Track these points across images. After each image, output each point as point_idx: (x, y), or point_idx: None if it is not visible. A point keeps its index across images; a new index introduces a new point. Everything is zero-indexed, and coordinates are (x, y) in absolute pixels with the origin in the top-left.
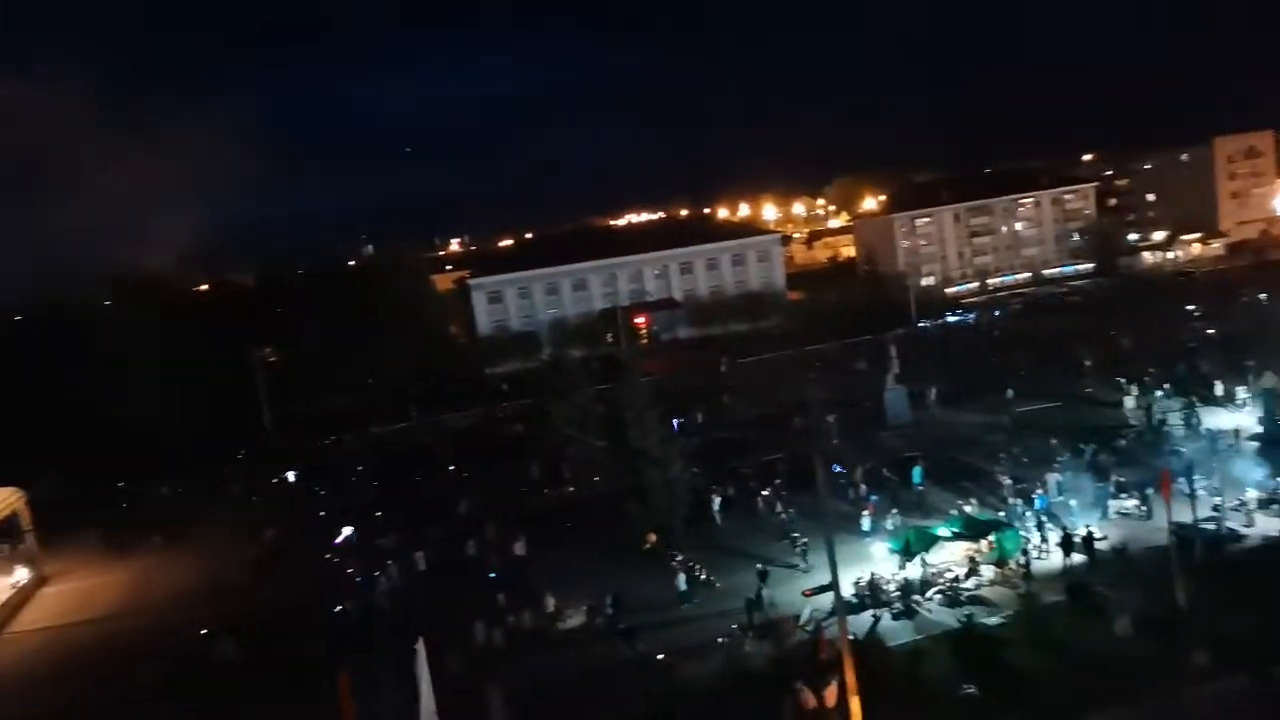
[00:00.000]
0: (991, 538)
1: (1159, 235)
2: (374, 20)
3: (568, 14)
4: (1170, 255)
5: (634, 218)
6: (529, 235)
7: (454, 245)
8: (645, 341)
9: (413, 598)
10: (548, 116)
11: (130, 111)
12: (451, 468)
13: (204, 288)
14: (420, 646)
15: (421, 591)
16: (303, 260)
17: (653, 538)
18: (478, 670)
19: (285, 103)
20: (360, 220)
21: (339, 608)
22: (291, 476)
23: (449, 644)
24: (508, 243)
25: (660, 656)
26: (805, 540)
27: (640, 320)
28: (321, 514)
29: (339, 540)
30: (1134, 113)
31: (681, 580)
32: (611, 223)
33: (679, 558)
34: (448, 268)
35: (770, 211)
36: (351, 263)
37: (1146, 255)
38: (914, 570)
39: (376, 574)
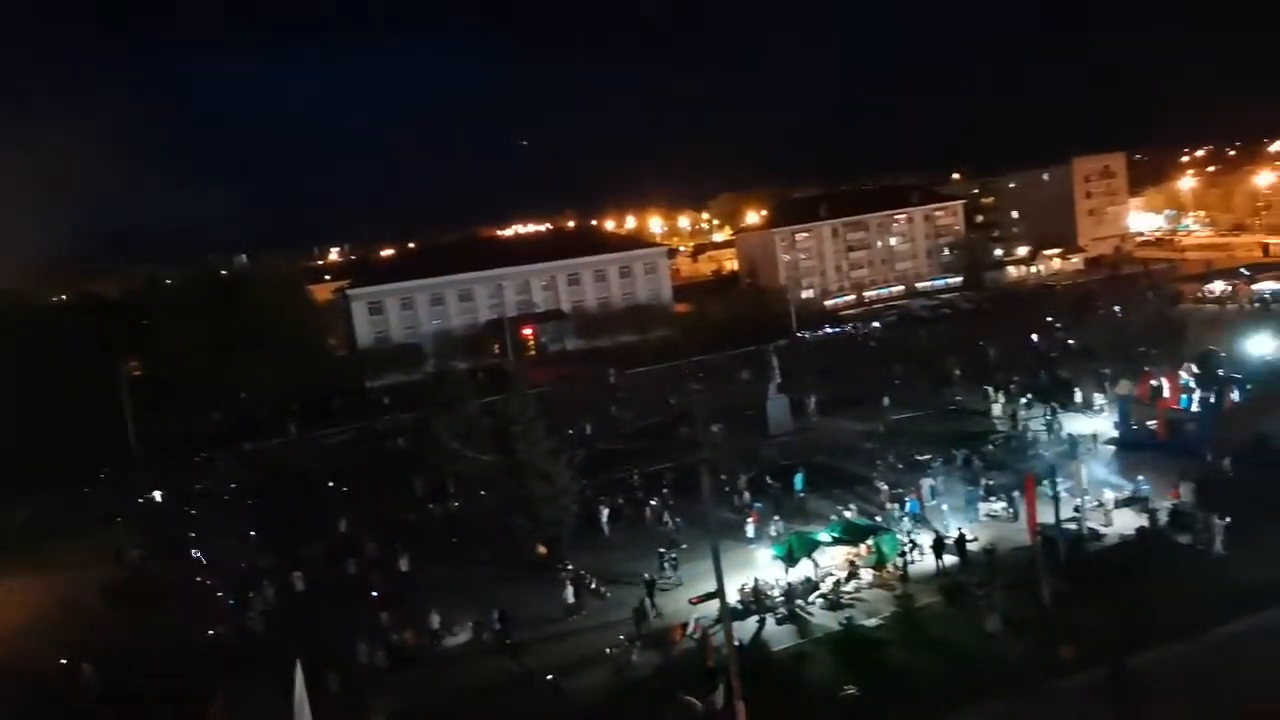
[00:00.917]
0: (870, 542)
1: (1022, 250)
2: (248, 18)
3: (453, 19)
4: (1033, 269)
5: (521, 228)
6: (412, 245)
7: (333, 254)
8: (532, 353)
9: (290, 619)
10: (433, 124)
11: None
12: (330, 484)
13: (64, 299)
14: (298, 669)
15: (299, 612)
16: (172, 270)
17: (543, 549)
18: (359, 692)
19: (154, 105)
20: (234, 229)
21: (210, 632)
22: (159, 496)
23: (328, 666)
24: (389, 252)
25: (548, 675)
26: (675, 555)
27: (527, 331)
28: (192, 534)
29: (211, 564)
30: (999, 134)
31: (569, 593)
32: (498, 233)
33: (569, 569)
34: (326, 278)
35: (656, 225)
36: (224, 272)
37: (1011, 269)
38: (797, 575)
39: (251, 595)
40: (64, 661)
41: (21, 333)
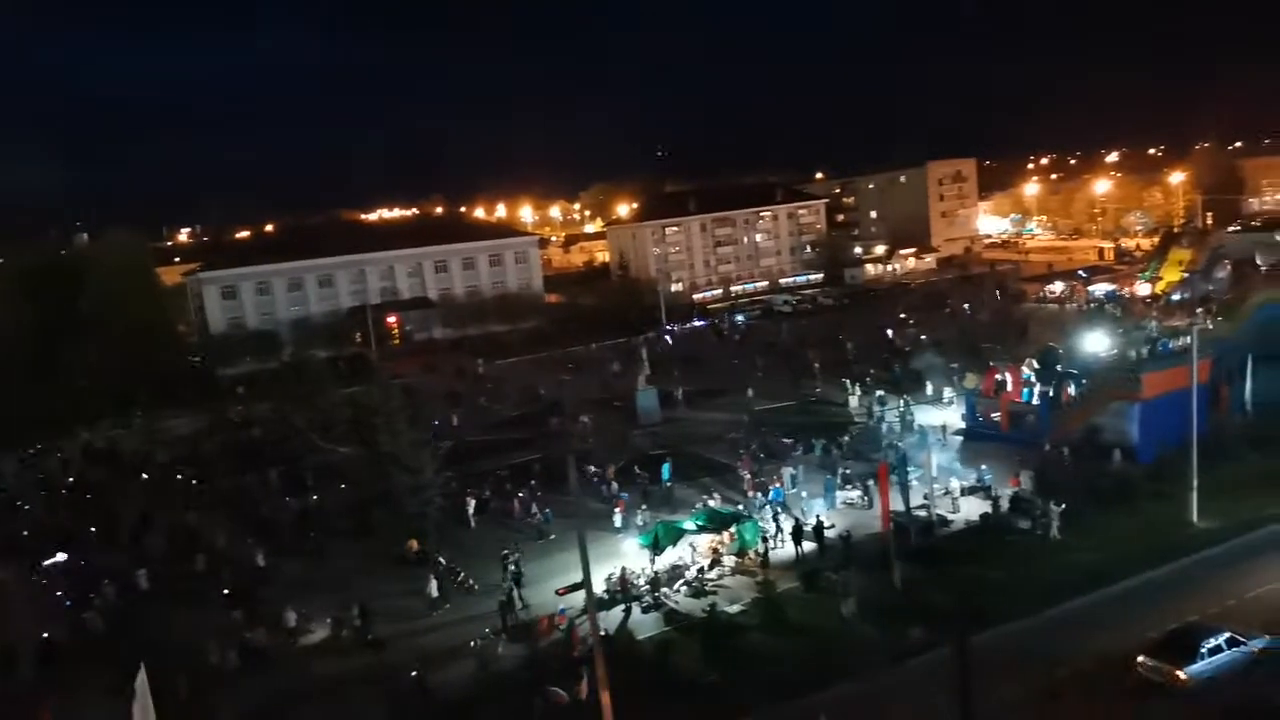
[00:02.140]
0: (733, 529)
1: (880, 249)
2: None
3: None
4: (889, 268)
5: (386, 213)
6: (270, 227)
7: (184, 236)
8: (397, 342)
9: (134, 620)
10: (293, 104)
11: None
12: (179, 475)
13: None
14: (140, 672)
15: (144, 612)
16: (6, 249)
17: (414, 544)
18: (207, 694)
19: None
20: (76, 206)
21: (44, 635)
22: None
23: (176, 667)
24: (245, 234)
25: (412, 670)
26: (518, 556)
27: (391, 320)
28: (24, 532)
29: (48, 563)
30: (860, 136)
31: (433, 586)
32: (362, 217)
33: (442, 562)
34: (176, 260)
35: (528, 214)
36: (63, 252)
37: (869, 267)
38: (663, 564)
39: (90, 594)
40: None
41: None
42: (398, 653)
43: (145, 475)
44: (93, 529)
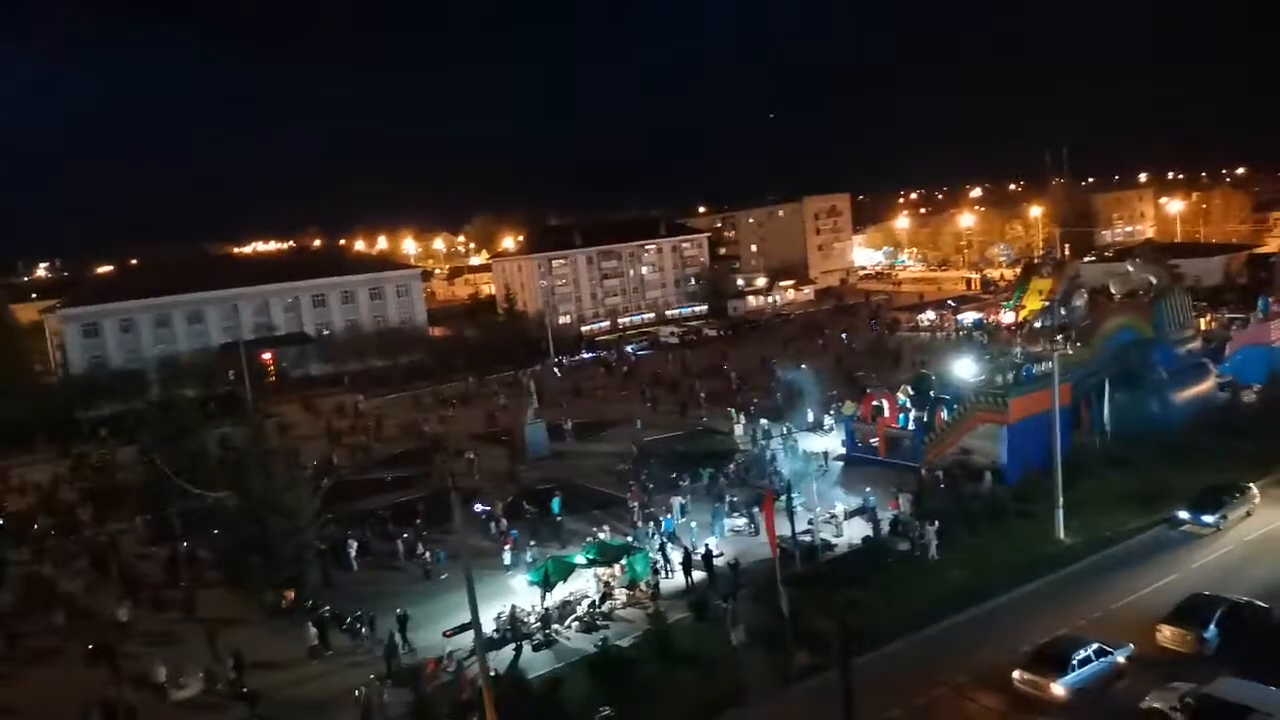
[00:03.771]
0: (623, 561)
1: (761, 281)
2: None
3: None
4: (770, 299)
5: (261, 246)
6: (134, 262)
7: (42, 270)
8: (272, 379)
9: None
10: (158, 131)
11: None
12: (34, 524)
13: None
14: None
15: None
16: None
17: (290, 594)
18: None
19: None
20: None
21: None
22: None
23: None
24: (108, 269)
25: None
26: (370, 615)
27: (266, 356)
28: None
29: None
30: (738, 171)
31: (311, 634)
32: (234, 251)
33: (325, 611)
34: (34, 296)
35: (410, 246)
36: None
37: (751, 298)
38: (553, 600)
39: None
40: None
41: None
42: (276, 705)
43: None
44: None
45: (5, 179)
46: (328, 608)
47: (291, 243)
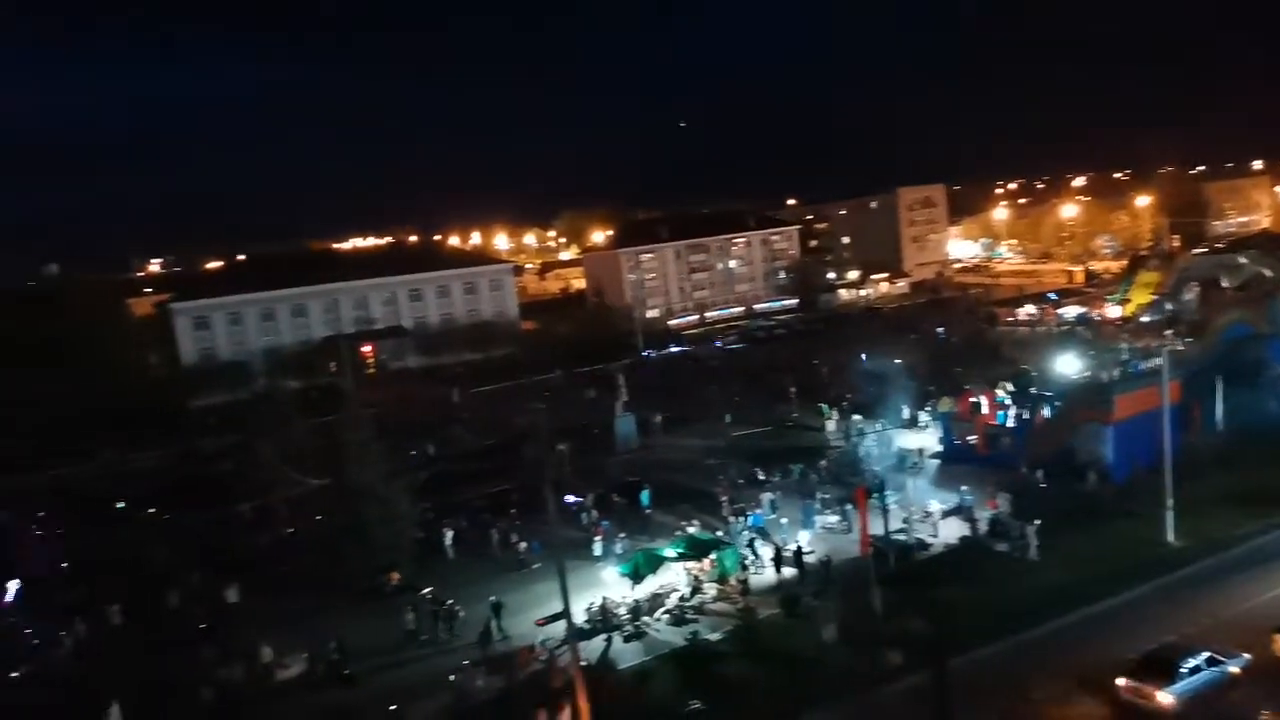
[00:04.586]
0: (713, 556)
1: (853, 274)
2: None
3: (287, 22)
4: (862, 292)
5: (360, 242)
6: (242, 257)
7: (155, 266)
8: (371, 371)
9: (105, 657)
10: (264, 133)
11: None
12: (150, 510)
13: None
14: (114, 710)
15: (116, 649)
16: None
17: (395, 576)
18: None
19: None
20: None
21: (13, 674)
22: None
23: (149, 706)
24: (217, 265)
25: (390, 704)
26: (452, 603)
27: (366, 349)
28: None
29: (7, 598)
30: (831, 163)
31: (409, 618)
32: (335, 246)
33: (427, 593)
34: (147, 290)
35: (503, 241)
36: (32, 283)
37: (842, 292)
38: (643, 592)
39: (61, 633)
40: None
41: None
42: (374, 687)
43: (115, 510)
44: (63, 565)
45: (123, 178)
46: (430, 589)
47: (389, 239)
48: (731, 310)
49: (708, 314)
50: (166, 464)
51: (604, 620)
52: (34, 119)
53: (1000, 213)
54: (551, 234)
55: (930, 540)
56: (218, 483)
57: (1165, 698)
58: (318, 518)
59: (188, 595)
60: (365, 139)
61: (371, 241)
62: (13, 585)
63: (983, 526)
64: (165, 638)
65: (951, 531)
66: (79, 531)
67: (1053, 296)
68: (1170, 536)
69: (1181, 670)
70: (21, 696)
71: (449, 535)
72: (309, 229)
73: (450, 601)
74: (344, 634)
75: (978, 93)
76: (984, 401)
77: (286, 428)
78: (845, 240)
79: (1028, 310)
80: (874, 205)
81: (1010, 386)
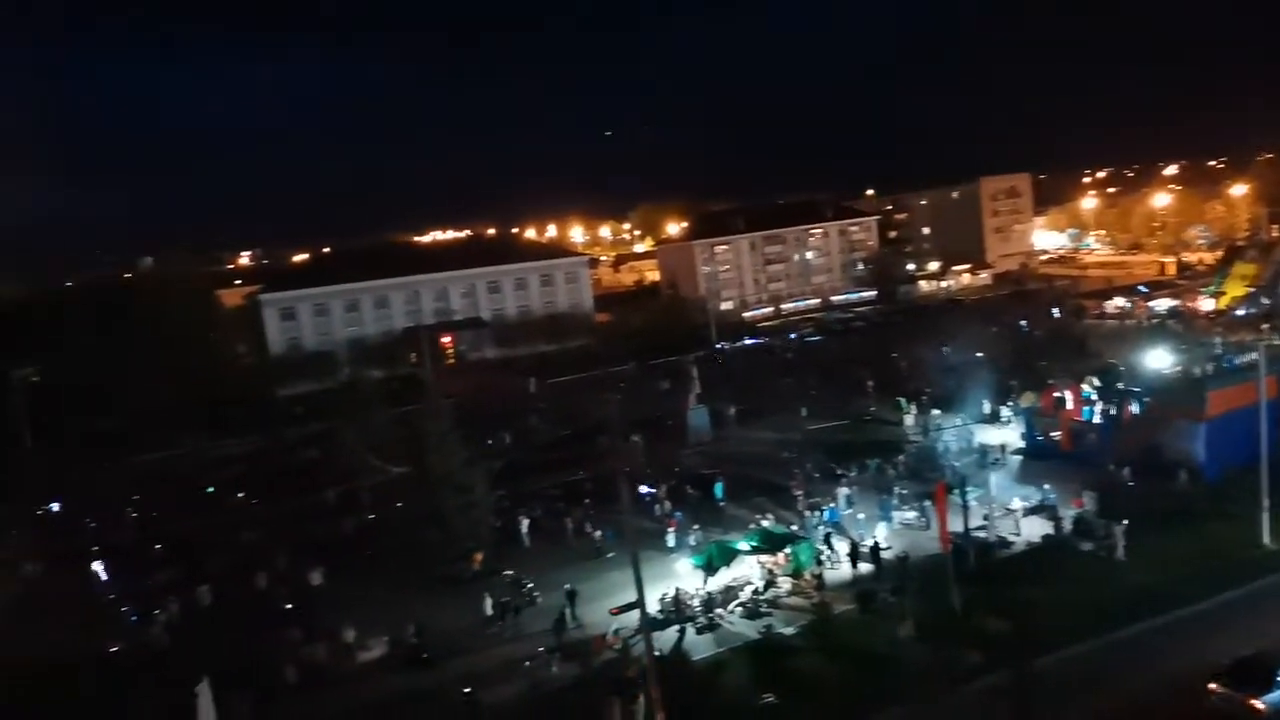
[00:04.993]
0: (788, 550)
1: (933, 265)
2: (152, 14)
3: (370, 22)
4: (943, 284)
5: (440, 235)
6: (327, 250)
7: (244, 259)
8: (450, 362)
9: (196, 635)
10: (350, 128)
11: None
12: (239, 494)
13: None
14: (204, 686)
15: (206, 628)
16: (73, 272)
17: (478, 557)
18: (268, 709)
19: (61, 100)
20: (142, 230)
21: (112, 648)
22: (56, 507)
23: (237, 682)
24: (303, 257)
25: (466, 688)
26: (530, 584)
27: (445, 340)
28: (92, 547)
29: (106, 576)
30: (911, 152)
31: (488, 604)
32: (416, 239)
33: (508, 576)
34: (237, 282)
35: (578, 234)
36: (128, 275)
37: (922, 283)
38: (716, 584)
39: (154, 610)
40: None
41: None
42: (451, 671)
43: (206, 494)
44: (157, 546)
45: (216, 174)
46: (510, 572)
47: (468, 232)
48: (808, 302)
49: (783, 306)
50: (255, 451)
51: (677, 611)
52: (131, 115)
53: (1088, 202)
54: (626, 226)
55: (1012, 538)
56: (303, 469)
57: (1260, 706)
58: (398, 504)
59: (274, 577)
60: (447, 136)
61: (451, 235)
62: (98, 565)
63: (1067, 525)
64: (252, 618)
65: (1035, 530)
66: (172, 515)
67: (1143, 289)
68: (1266, 539)
69: (1278, 678)
70: (119, 671)
71: (525, 523)
72: (392, 223)
73: (529, 585)
74: (423, 618)
75: (1066, 77)
76: (1069, 397)
77: (369, 416)
78: (925, 231)
79: (1116, 303)
80: (955, 195)
81: (1097, 381)
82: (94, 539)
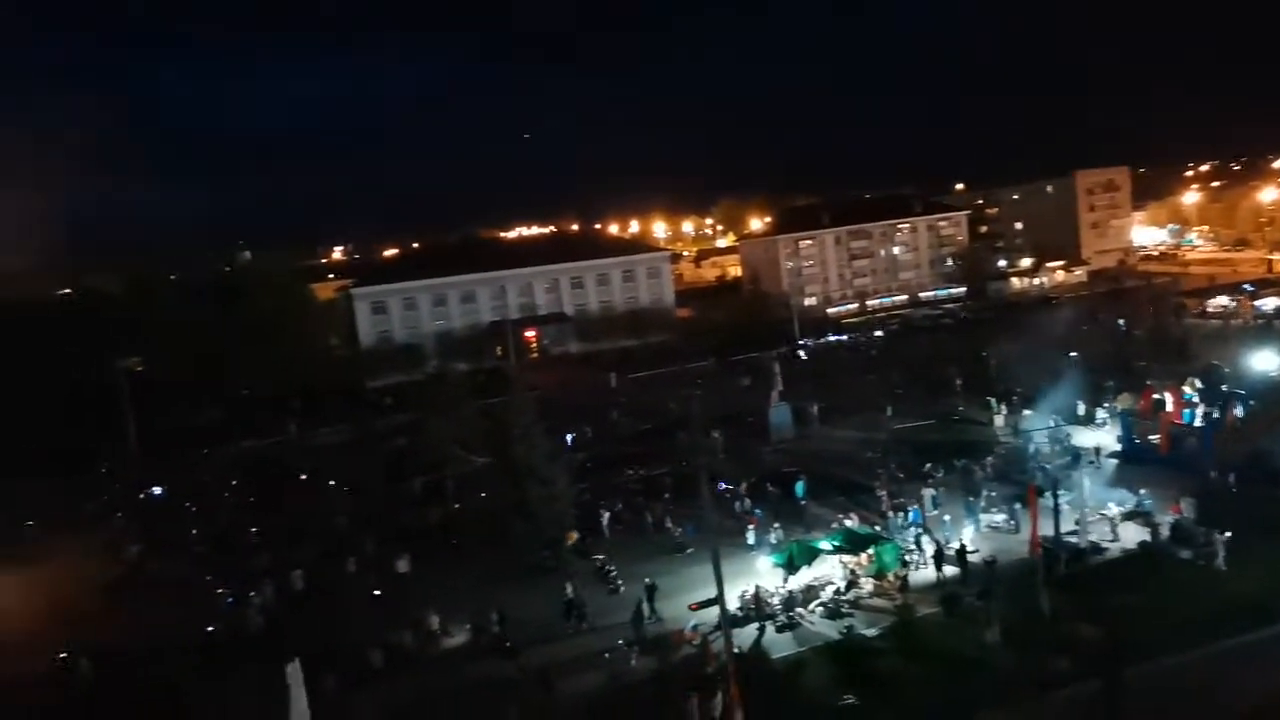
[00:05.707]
0: (871, 551)
1: (1026, 262)
2: (247, 15)
3: (456, 22)
4: (1036, 281)
5: (524, 230)
6: (415, 245)
7: (337, 253)
8: (534, 355)
9: (288, 617)
10: (435, 125)
11: None
12: (330, 483)
13: (67, 293)
14: (295, 667)
15: (297, 611)
16: (175, 266)
17: (573, 536)
18: (355, 691)
19: (162, 101)
20: (239, 225)
21: (209, 628)
22: (158, 492)
23: (326, 664)
24: (393, 252)
25: (545, 677)
26: (614, 570)
27: (529, 334)
28: (191, 531)
29: (206, 558)
30: (1002, 146)
31: (569, 592)
32: (501, 235)
33: (597, 559)
34: (330, 276)
35: (660, 229)
36: (227, 269)
37: (1014, 280)
38: (797, 583)
39: (250, 593)
40: (61, 656)
41: (22, 328)
42: (531, 659)
43: (299, 482)
44: (252, 530)
45: (311, 173)
46: (600, 556)
47: (552, 228)
48: (894, 298)
49: (869, 302)
50: (346, 440)
51: (757, 609)
52: (228, 115)
53: (1190, 196)
54: (709, 222)
55: (1106, 544)
56: (392, 459)
57: None
58: (483, 495)
59: (362, 564)
60: (533, 133)
61: (536, 231)
62: (205, 547)
63: (1164, 532)
64: (342, 602)
65: (1130, 536)
66: (267, 501)
67: (1249, 287)
68: None
69: None
70: (215, 651)
71: (605, 516)
72: (478, 219)
73: (613, 571)
74: (506, 607)
75: (1169, 66)
76: (1169, 399)
77: (456, 408)
78: (1018, 226)
79: (1220, 301)
80: (1050, 189)
81: (1198, 383)
82: (193, 524)
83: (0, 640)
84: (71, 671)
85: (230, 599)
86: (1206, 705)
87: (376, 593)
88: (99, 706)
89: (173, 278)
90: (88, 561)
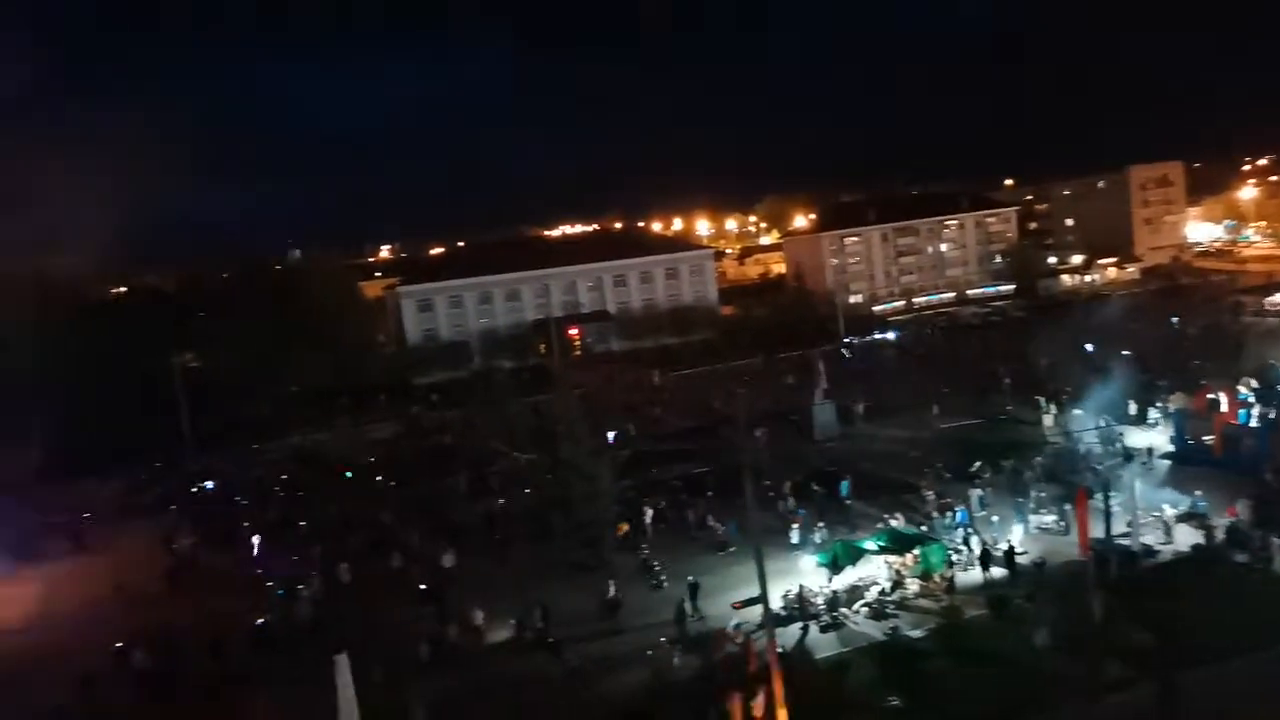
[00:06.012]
0: (916, 551)
1: (1077, 259)
2: (300, 20)
3: (500, 20)
4: (1087, 278)
5: (568, 229)
6: (461, 243)
7: (384, 252)
8: (577, 353)
9: (336, 610)
10: (482, 125)
11: (40, 109)
12: (377, 478)
13: (122, 290)
14: (342, 659)
15: (345, 604)
16: (227, 264)
17: (624, 527)
18: (401, 683)
19: (211, 101)
20: (289, 224)
21: (259, 620)
22: (210, 485)
23: (372, 657)
24: (439, 250)
25: (586, 673)
26: (659, 566)
27: (573, 332)
28: (243, 524)
29: (257, 551)
30: (1053, 141)
31: (612, 589)
32: (545, 233)
33: (644, 552)
34: (378, 274)
35: (703, 226)
36: (278, 267)
37: (1065, 278)
38: (841, 583)
39: (299, 585)
40: (118, 645)
41: (78, 324)
42: (574, 655)
43: (348, 476)
44: (301, 524)
45: (358, 172)
46: (647, 549)
47: (596, 226)
48: (941, 296)
49: (915, 299)
50: (393, 435)
51: (800, 608)
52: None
53: (1247, 191)
54: (752, 219)
55: (1160, 547)
56: (438, 454)
57: None
58: (527, 491)
59: (409, 557)
60: (577, 132)
61: (579, 229)
62: (256, 539)
63: (1219, 535)
64: (388, 596)
65: (1183, 538)
66: (316, 495)
67: None
68: None
69: None
70: (265, 641)
71: (648, 514)
72: (523, 218)
73: (658, 566)
74: (549, 603)
75: (1225, 57)
76: (1224, 399)
77: (501, 405)
78: (1069, 222)
79: (1278, 299)
80: (1101, 185)
81: (1255, 383)
82: (244, 517)
83: (59, 631)
84: (126, 660)
85: (280, 591)
86: (1262, 712)
87: (422, 586)
88: (151, 695)
89: (225, 276)
90: (141, 554)
